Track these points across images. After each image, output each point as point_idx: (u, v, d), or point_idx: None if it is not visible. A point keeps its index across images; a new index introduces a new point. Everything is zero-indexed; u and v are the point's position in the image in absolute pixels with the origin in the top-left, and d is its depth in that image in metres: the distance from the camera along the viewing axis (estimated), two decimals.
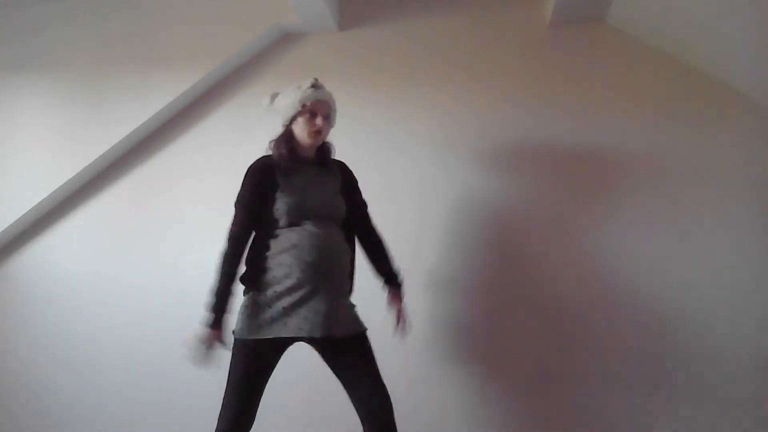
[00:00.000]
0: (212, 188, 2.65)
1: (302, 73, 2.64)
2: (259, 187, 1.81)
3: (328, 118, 1.92)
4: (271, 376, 2.43)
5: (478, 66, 2.49)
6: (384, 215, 2.41)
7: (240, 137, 2.66)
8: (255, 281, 1.79)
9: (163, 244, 2.66)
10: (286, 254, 1.76)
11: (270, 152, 1.91)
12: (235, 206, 1.84)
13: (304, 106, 1.86)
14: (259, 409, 2.43)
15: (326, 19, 2.55)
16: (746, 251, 2.18)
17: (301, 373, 2.42)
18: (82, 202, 2.77)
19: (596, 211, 2.32)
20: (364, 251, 2.02)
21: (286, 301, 1.73)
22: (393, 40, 2.58)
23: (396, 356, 2.28)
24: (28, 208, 2.67)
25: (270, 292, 1.75)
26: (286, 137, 1.89)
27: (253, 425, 2.43)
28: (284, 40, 2.70)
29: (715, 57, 2.21)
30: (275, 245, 1.78)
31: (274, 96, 1.96)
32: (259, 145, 2.62)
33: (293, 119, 1.88)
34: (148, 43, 2.70)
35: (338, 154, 2.55)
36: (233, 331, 1.80)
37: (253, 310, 1.76)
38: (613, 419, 2.20)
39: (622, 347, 2.22)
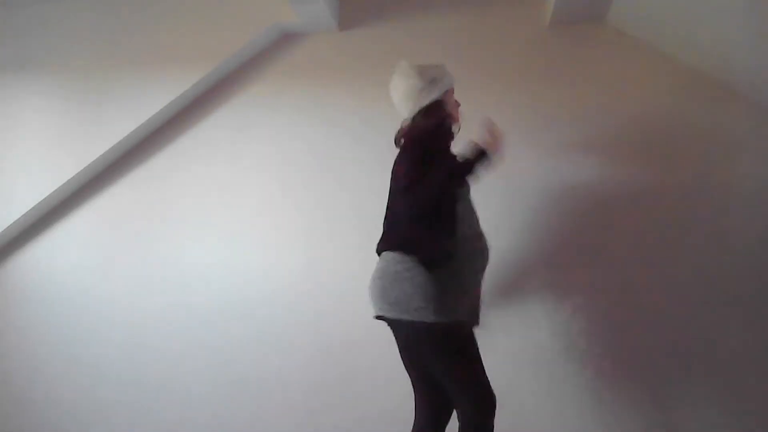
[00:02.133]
0: (213, 187, 2.65)
1: (302, 73, 2.67)
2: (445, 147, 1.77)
3: None
4: (272, 373, 2.46)
5: (478, 66, 2.49)
6: (382, 213, 2.41)
7: (240, 137, 2.66)
8: (447, 260, 1.65)
9: (164, 244, 2.66)
10: (468, 241, 1.71)
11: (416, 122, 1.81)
12: (411, 177, 1.65)
13: (452, 87, 1.87)
14: (258, 407, 2.45)
15: (326, 19, 2.55)
16: (745, 250, 2.18)
17: (301, 370, 2.42)
18: (82, 202, 2.76)
19: (593, 209, 2.32)
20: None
21: (473, 288, 1.71)
22: (393, 40, 2.58)
23: None
24: (28, 208, 2.67)
25: (459, 278, 1.66)
26: (446, 106, 1.83)
27: (253, 423, 2.45)
28: (284, 40, 2.70)
29: (715, 57, 2.21)
30: (456, 225, 1.69)
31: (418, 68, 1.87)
32: (259, 145, 2.66)
33: (446, 94, 1.84)
34: (148, 43, 2.70)
35: (338, 152, 2.57)
36: (438, 314, 1.61)
37: (455, 293, 1.65)
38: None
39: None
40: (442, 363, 1.66)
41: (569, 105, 2.39)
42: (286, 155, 2.62)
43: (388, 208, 1.84)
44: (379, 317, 1.76)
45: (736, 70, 2.19)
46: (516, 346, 2.25)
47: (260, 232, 2.57)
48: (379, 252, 1.81)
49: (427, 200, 1.63)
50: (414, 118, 1.83)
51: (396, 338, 1.80)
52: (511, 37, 2.49)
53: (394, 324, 1.72)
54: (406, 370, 1.84)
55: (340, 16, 2.64)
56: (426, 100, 1.80)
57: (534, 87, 2.43)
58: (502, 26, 2.51)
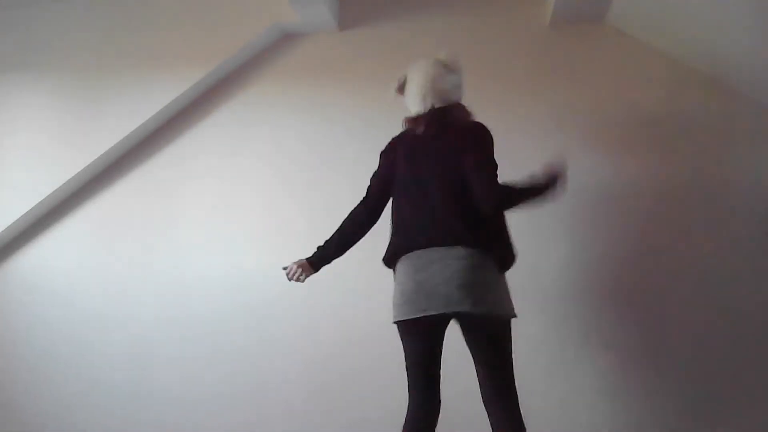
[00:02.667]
0: (213, 187, 2.65)
1: (302, 73, 2.67)
2: None
3: None
4: (273, 376, 2.46)
5: (478, 66, 2.48)
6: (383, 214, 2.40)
7: (240, 137, 2.66)
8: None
9: (163, 244, 2.65)
10: None
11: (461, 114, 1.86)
12: (495, 169, 1.76)
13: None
14: (258, 407, 2.46)
15: (326, 19, 2.56)
16: (745, 251, 2.18)
17: (302, 373, 2.42)
18: (82, 202, 2.76)
19: (593, 206, 2.32)
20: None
21: None
22: (393, 40, 2.58)
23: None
24: (28, 208, 2.67)
25: None
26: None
27: (254, 423, 2.46)
28: (284, 40, 2.70)
29: (715, 57, 2.21)
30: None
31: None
32: (259, 145, 2.66)
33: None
34: (149, 43, 2.71)
35: (339, 151, 2.57)
36: (508, 310, 1.71)
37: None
38: None
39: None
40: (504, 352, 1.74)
41: (569, 104, 2.39)
42: (287, 155, 2.62)
43: (425, 194, 1.74)
44: (440, 313, 1.64)
45: (736, 69, 2.20)
46: (521, 342, 2.25)
47: (261, 232, 2.57)
48: (443, 243, 1.67)
49: (506, 207, 1.80)
50: (449, 109, 1.84)
51: (429, 335, 1.71)
52: (512, 37, 2.50)
53: (470, 318, 1.67)
54: (422, 368, 1.73)
55: (340, 16, 2.64)
56: (452, 100, 1.87)
57: (534, 87, 2.43)
58: (502, 26, 2.51)
